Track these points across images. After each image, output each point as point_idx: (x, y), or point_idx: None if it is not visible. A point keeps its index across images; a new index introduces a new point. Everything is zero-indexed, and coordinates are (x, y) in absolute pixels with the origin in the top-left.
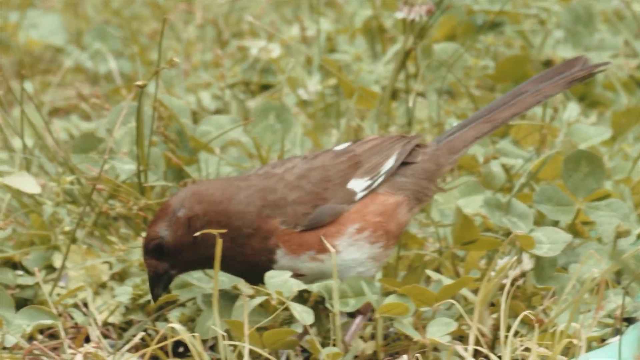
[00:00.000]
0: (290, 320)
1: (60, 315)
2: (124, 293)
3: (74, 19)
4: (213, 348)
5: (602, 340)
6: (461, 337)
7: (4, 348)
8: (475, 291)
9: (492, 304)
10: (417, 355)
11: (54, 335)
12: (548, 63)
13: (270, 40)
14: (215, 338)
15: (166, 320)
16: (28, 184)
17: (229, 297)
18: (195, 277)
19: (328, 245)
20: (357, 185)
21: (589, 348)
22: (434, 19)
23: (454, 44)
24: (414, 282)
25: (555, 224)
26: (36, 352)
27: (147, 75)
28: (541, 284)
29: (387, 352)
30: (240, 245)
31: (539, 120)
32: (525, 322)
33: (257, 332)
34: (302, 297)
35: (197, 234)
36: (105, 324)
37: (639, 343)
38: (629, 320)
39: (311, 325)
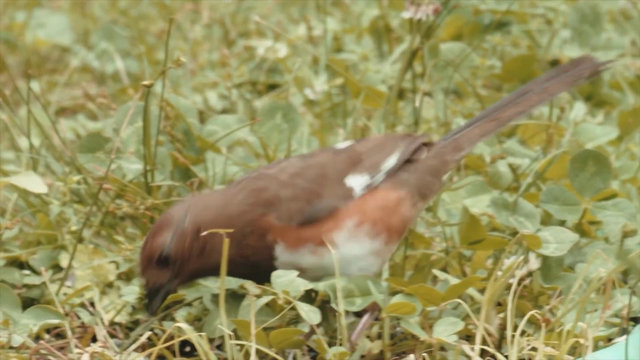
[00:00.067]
0: (297, 319)
1: (67, 314)
2: (130, 292)
3: (81, 18)
4: (220, 347)
5: (609, 339)
6: (468, 337)
7: (11, 347)
8: (482, 291)
9: (499, 304)
10: (424, 354)
11: (60, 335)
12: (555, 63)
13: (277, 40)
14: (222, 337)
15: (173, 319)
16: (35, 183)
17: (236, 297)
18: None
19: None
20: (356, 181)
21: (596, 347)
22: (441, 19)
23: (461, 44)
24: (420, 281)
25: (562, 223)
26: (43, 351)
27: (154, 75)
28: (548, 284)
29: (394, 352)
30: (241, 247)
31: (545, 120)
32: (532, 321)
33: (264, 332)
34: (309, 297)
35: (204, 233)
36: (112, 323)
37: None
38: (636, 320)
39: (318, 325)
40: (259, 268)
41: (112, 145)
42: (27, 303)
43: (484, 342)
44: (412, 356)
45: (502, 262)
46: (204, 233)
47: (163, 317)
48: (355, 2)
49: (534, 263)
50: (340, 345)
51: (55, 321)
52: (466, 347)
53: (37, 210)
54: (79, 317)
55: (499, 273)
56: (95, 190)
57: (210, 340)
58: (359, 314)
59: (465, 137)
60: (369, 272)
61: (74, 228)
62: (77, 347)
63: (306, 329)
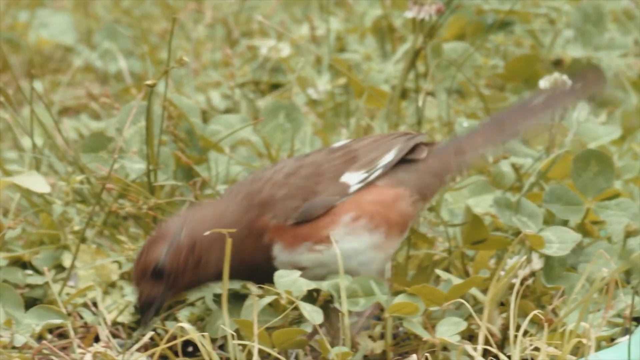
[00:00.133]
0: (299, 319)
1: (69, 314)
2: (133, 292)
3: (84, 18)
4: (222, 347)
5: (612, 339)
6: (470, 337)
7: (14, 347)
8: (484, 291)
9: (502, 304)
10: (427, 354)
11: (63, 335)
12: (558, 62)
13: (280, 39)
14: (224, 337)
15: (175, 319)
16: (38, 183)
17: (238, 297)
18: None
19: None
20: (352, 178)
21: (598, 347)
22: (444, 19)
23: (464, 44)
24: (423, 281)
25: (565, 223)
26: (45, 351)
27: (157, 75)
28: (550, 284)
29: (396, 352)
30: (239, 252)
31: (548, 120)
32: (535, 321)
33: (267, 332)
34: (311, 297)
35: (207, 232)
36: (115, 323)
37: None
38: (639, 320)
39: (321, 325)
40: (258, 269)
41: (115, 145)
42: (30, 303)
43: (487, 342)
44: (414, 356)
45: (504, 262)
46: (207, 233)
47: (166, 317)
48: (358, 1)
49: (537, 263)
50: (343, 345)
51: (57, 321)
52: (469, 347)
53: (40, 210)
54: (81, 317)
55: (502, 273)
56: (98, 190)
57: (213, 340)
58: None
59: (468, 141)
60: (370, 267)
61: (76, 228)
62: (79, 347)
63: (309, 329)
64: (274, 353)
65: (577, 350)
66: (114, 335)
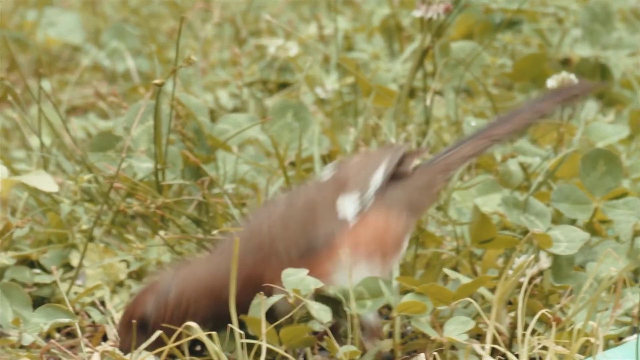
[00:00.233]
0: (307, 317)
1: (77, 313)
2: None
3: (92, 17)
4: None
5: (620, 338)
6: (478, 336)
7: (22, 346)
8: (492, 290)
9: (510, 303)
10: (435, 353)
11: (71, 334)
12: (566, 61)
13: (287, 38)
14: (232, 336)
15: None
16: (45, 182)
17: None
18: None
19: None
20: (347, 202)
21: (606, 346)
22: (452, 18)
23: (472, 43)
24: (431, 280)
25: (573, 222)
26: (53, 350)
27: (165, 74)
28: (558, 283)
29: (405, 351)
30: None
31: (556, 119)
32: (543, 320)
33: (275, 330)
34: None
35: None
36: None
37: None
38: None
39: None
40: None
41: (123, 144)
42: (38, 302)
43: (495, 341)
44: (422, 355)
45: (512, 261)
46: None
47: None
48: (366, 1)
49: (545, 262)
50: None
51: (65, 320)
52: (477, 346)
53: (48, 209)
54: (89, 316)
55: (510, 272)
56: (106, 189)
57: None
58: None
59: (456, 155)
60: None
61: (84, 227)
62: (87, 346)
63: (317, 327)
64: (282, 351)
65: (585, 349)
66: None
